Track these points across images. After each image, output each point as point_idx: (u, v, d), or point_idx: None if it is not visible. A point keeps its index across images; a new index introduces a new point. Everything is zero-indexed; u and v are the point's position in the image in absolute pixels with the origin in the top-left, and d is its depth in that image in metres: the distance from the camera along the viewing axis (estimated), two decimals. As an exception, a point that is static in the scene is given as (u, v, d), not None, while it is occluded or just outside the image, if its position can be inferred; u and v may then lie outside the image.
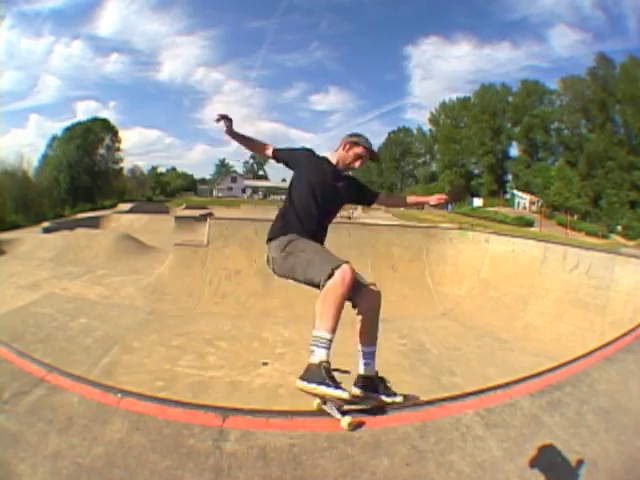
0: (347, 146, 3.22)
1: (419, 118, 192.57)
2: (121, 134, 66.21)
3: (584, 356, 3.64)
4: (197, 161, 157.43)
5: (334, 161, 3.26)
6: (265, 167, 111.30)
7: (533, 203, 61.05)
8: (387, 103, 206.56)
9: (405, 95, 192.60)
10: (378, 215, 44.44)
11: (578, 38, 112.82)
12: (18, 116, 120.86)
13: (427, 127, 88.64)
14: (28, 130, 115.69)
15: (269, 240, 3.11)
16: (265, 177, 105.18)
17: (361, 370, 2.87)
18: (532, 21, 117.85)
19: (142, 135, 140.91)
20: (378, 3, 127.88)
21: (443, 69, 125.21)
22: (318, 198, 3.05)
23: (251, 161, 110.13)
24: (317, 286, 2.68)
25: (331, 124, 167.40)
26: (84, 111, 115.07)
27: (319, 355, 2.49)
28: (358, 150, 3.20)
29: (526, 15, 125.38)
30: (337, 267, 2.58)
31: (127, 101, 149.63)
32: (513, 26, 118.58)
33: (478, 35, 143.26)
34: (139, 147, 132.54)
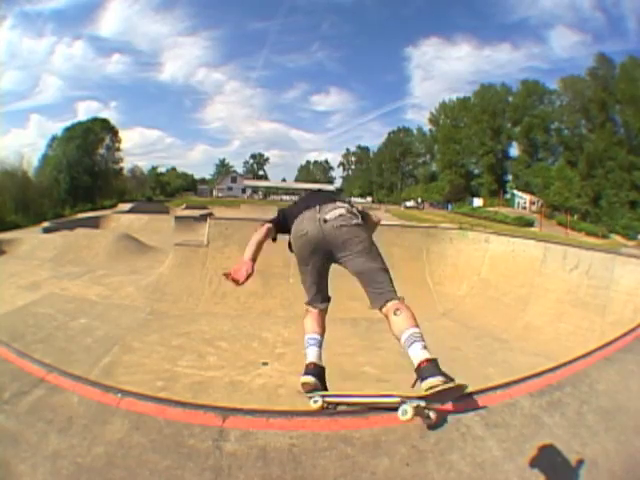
0: None
1: (419, 118, 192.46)
2: (122, 134, 66.61)
3: (584, 356, 3.64)
4: (197, 161, 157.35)
5: None
6: (265, 167, 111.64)
7: (533, 203, 60.98)
8: (387, 104, 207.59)
9: (405, 96, 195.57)
10: (379, 215, 44.44)
11: (578, 39, 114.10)
12: (19, 116, 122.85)
13: (427, 127, 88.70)
14: (29, 130, 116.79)
15: None
16: (265, 177, 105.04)
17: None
18: (532, 22, 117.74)
19: (143, 135, 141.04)
20: (379, 4, 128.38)
21: (443, 70, 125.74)
22: None
23: (251, 161, 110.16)
24: None
25: (331, 124, 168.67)
26: (85, 111, 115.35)
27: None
28: None
29: (526, 17, 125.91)
30: None
31: (128, 101, 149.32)
32: (513, 28, 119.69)
33: (478, 36, 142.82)
34: (140, 147, 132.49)
